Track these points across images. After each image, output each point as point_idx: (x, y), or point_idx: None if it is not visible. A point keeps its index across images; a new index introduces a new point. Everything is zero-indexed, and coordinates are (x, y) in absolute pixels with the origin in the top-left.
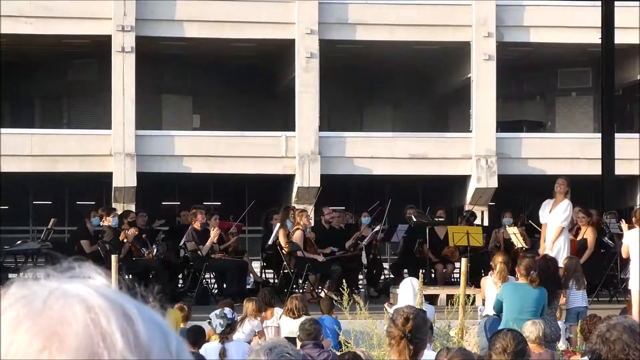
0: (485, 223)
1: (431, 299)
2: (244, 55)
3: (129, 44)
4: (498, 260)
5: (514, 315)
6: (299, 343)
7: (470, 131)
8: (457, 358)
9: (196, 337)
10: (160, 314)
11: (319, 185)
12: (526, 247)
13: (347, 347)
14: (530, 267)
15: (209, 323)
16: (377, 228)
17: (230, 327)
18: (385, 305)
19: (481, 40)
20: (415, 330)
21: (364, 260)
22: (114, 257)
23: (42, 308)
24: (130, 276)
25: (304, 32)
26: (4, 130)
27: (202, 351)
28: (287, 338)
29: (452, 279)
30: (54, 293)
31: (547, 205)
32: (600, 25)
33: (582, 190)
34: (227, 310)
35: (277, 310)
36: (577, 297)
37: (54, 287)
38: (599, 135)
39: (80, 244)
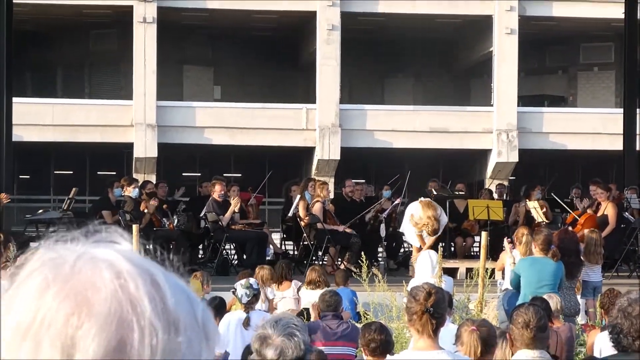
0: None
1: (450, 272)
2: (265, 27)
3: (151, 15)
4: (523, 232)
5: (532, 289)
6: (313, 314)
7: (492, 105)
8: (484, 327)
9: (217, 308)
10: (185, 282)
11: (339, 158)
12: (547, 221)
13: (367, 319)
14: (549, 242)
15: (233, 292)
16: (397, 201)
17: (255, 298)
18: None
19: (503, 14)
20: (437, 305)
21: (382, 233)
22: (135, 227)
23: (70, 272)
24: (151, 246)
25: (326, 4)
26: (25, 99)
27: (224, 321)
28: (306, 309)
29: (472, 253)
30: (82, 257)
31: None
32: (623, 0)
33: (603, 166)
34: (252, 280)
35: (295, 282)
36: (594, 272)
37: (82, 252)
38: (621, 110)
39: (102, 214)
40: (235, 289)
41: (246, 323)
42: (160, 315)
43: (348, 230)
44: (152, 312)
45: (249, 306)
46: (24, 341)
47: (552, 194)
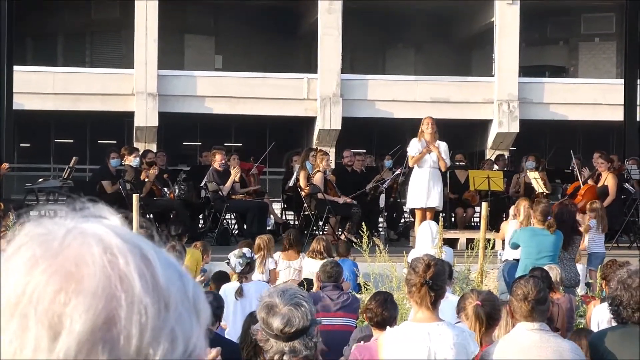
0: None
1: (451, 243)
2: None
3: None
4: (524, 205)
5: (532, 260)
6: (316, 284)
7: (493, 75)
8: (488, 301)
9: (222, 281)
10: (176, 258)
11: (340, 128)
12: (547, 192)
13: (367, 290)
14: (547, 213)
15: (228, 264)
16: (398, 171)
17: (249, 267)
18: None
19: None
20: (436, 277)
21: (381, 204)
22: (135, 197)
23: (59, 248)
24: (151, 216)
25: None
26: (26, 68)
27: (221, 292)
28: (307, 279)
29: (472, 223)
30: (71, 232)
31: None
32: None
33: (603, 136)
34: (245, 249)
35: (303, 255)
36: (601, 242)
37: (71, 227)
38: (622, 81)
39: (102, 184)
40: (229, 260)
41: (239, 293)
42: (151, 291)
43: (349, 200)
44: (141, 289)
45: (243, 276)
46: (12, 318)
47: (547, 165)
